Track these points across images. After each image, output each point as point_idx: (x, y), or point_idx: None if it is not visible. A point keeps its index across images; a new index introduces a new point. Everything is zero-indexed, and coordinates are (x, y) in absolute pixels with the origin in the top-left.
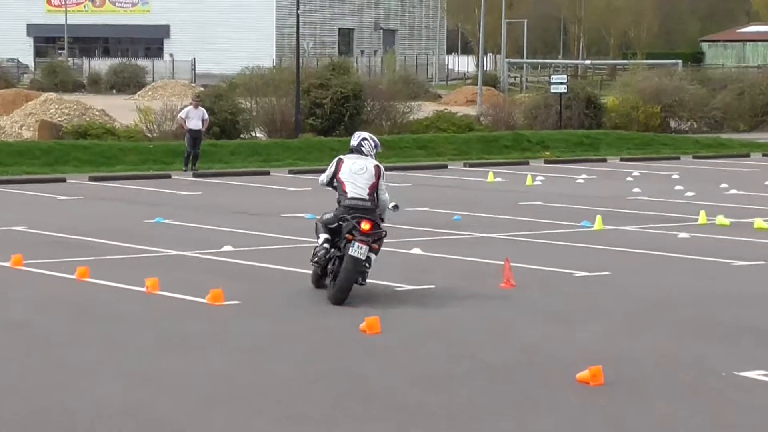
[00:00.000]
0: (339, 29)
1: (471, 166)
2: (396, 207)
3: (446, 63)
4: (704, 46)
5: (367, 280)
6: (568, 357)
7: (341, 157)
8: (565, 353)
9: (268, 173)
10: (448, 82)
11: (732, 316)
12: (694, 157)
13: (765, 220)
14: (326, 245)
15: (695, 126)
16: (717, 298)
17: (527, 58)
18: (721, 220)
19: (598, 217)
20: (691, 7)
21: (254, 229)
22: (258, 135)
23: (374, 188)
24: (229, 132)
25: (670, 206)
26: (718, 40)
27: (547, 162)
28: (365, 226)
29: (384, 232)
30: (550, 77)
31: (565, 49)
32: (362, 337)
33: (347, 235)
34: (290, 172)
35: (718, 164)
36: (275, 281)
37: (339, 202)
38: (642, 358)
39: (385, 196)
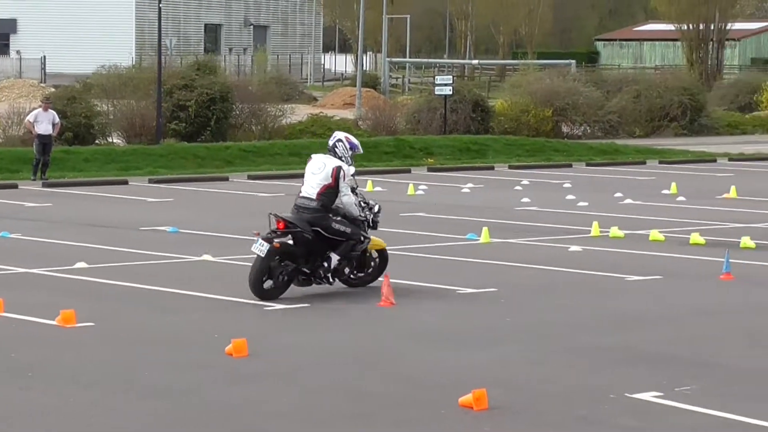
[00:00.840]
0: (205, 25)
1: None
2: (374, 211)
3: (322, 62)
4: (599, 45)
5: (234, 299)
6: (450, 381)
7: (312, 155)
8: (447, 377)
9: (126, 183)
10: (325, 83)
11: (624, 336)
12: (588, 165)
13: (661, 232)
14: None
15: (589, 131)
16: (609, 316)
17: (410, 58)
18: (614, 231)
19: (485, 229)
20: (589, 1)
21: (110, 244)
22: (115, 140)
23: (326, 189)
24: (84, 137)
25: (561, 217)
26: (614, 39)
27: (430, 170)
28: (279, 225)
29: (353, 236)
30: (434, 78)
31: (451, 48)
32: (228, 361)
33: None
34: (150, 181)
35: (613, 172)
36: (133, 301)
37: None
38: (529, 382)
39: (346, 198)
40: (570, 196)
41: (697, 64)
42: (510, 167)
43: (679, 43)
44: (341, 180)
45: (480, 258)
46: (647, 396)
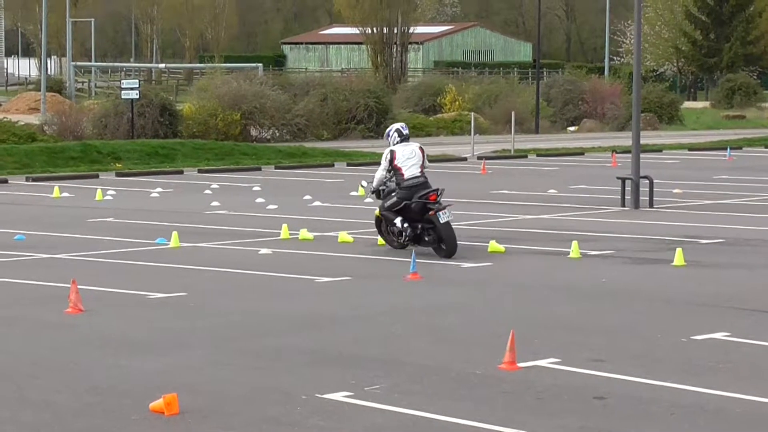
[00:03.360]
0: None
1: (34, 180)
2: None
3: (5, 66)
4: (286, 48)
5: None
6: (140, 387)
7: (392, 149)
8: (138, 384)
9: None
10: (8, 88)
11: (314, 337)
12: (277, 168)
13: (349, 233)
14: (406, 224)
15: (278, 134)
16: (299, 318)
17: (96, 61)
18: (304, 234)
19: (175, 234)
20: (275, 5)
21: None
22: None
23: (422, 166)
24: None
25: (251, 220)
26: (301, 43)
27: (119, 174)
28: (433, 197)
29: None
30: (121, 82)
31: (137, 52)
32: None
33: (430, 212)
34: None
35: (301, 175)
36: None
37: (398, 185)
38: (220, 384)
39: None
40: (260, 200)
41: (382, 67)
42: (199, 171)
43: (364, 47)
44: (425, 157)
45: (170, 263)
46: (338, 396)
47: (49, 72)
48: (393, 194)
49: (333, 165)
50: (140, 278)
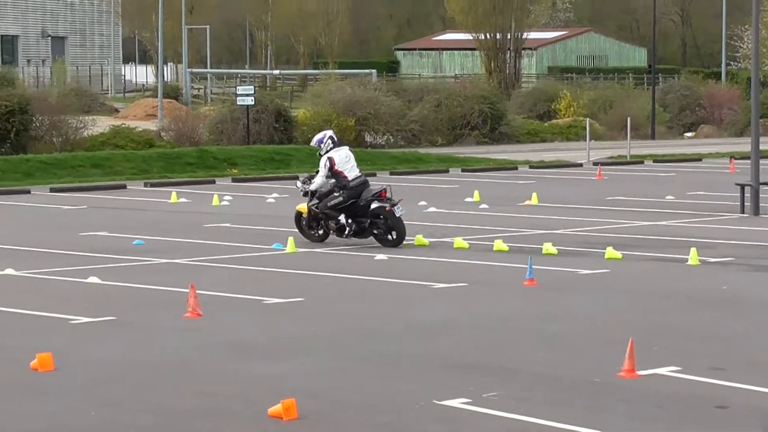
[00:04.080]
0: (2, 36)
1: (152, 185)
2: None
3: (123, 73)
4: (399, 54)
5: (39, 313)
6: (259, 392)
7: (330, 156)
8: (256, 389)
9: None
10: (126, 95)
11: (430, 343)
12: (391, 173)
13: (465, 240)
14: (350, 220)
15: (392, 140)
16: (416, 325)
17: (211, 68)
18: (420, 240)
19: (291, 239)
20: (388, 11)
21: None
22: None
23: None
24: None
25: None
26: (414, 49)
27: (234, 180)
28: (384, 195)
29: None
30: (236, 88)
31: (252, 58)
32: (33, 376)
33: (387, 208)
34: None
35: (416, 180)
36: None
37: (344, 186)
38: (337, 390)
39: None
40: None
41: (496, 73)
42: None
43: (477, 53)
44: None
45: (286, 268)
46: (455, 403)
47: (165, 79)
48: (337, 194)
49: (447, 171)
50: (257, 283)
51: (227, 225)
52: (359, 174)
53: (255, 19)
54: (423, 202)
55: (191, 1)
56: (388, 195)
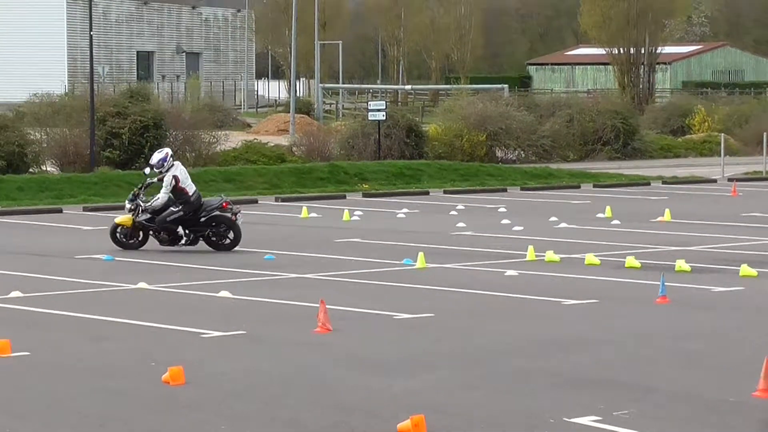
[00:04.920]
0: (138, 52)
1: (283, 200)
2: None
3: (256, 89)
4: (531, 69)
5: (171, 327)
6: (387, 407)
7: (175, 174)
8: (386, 404)
9: (60, 211)
10: (258, 110)
11: (561, 360)
12: (522, 189)
13: (596, 256)
14: (187, 231)
15: (523, 155)
16: (547, 341)
17: (343, 83)
18: (550, 255)
19: (421, 254)
20: (520, 26)
21: (45, 273)
22: (49, 169)
23: None
24: (17, 166)
25: (496, 241)
26: (546, 64)
27: (365, 195)
28: (225, 205)
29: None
30: (367, 103)
31: (383, 73)
32: (165, 389)
33: (232, 218)
34: (85, 209)
35: (547, 196)
36: (69, 329)
37: (185, 202)
38: (467, 407)
39: None
40: (505, 221)
41: (629, 87)
42: (445, 192)
43: (610, 67)
44: None
45: (416, 283)
46: (586, 420)
47: (297, 94)
48: (176, 209)
49: (579, 186)
50: (387, 298)
51: (357, 240)
52: (195, 188)
53: (387, 34)
54: (554, 218)
55: (324, 16)
56: (230, 206)
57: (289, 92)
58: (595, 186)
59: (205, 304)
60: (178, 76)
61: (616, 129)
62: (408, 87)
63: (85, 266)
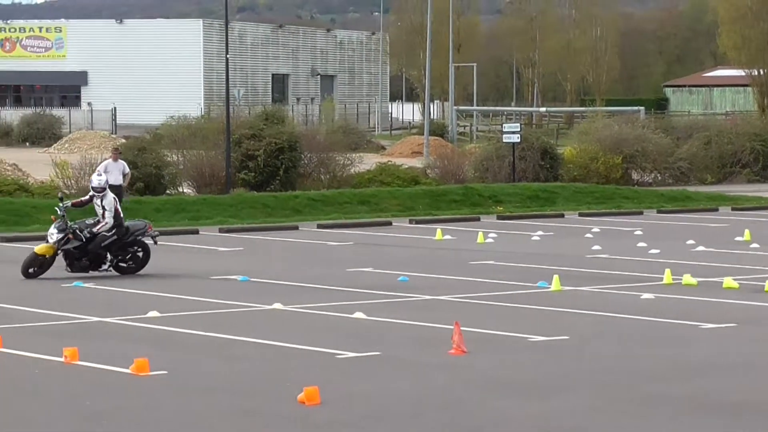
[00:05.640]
0: (272, 75)
1: (417, 222)
2: None
3: (390, 111)
4: (668, 91)
5: (306, 347)
6: (521, 430)
7: (114, 196)
8: (520, 427)
9: (196, 232)
10: (392, 132)
11: (698, 385)
12: (659, 212)
13: (735, 279)
14: (111, 256)
15: (659, 178)
16: (682, 365)
17: (477, 105)
18: (687, 279)
19: (556, 277)
20: (657, 48)
21: (182, 293)
22: (186, 190)
23: None
24: (154, 187)
25: (632, 265)
26: (684, 85)
27: (499, 218)
28: (150, 228)
29: None
30: (502, 126)
31: (518, 96)
32: (300, 409)
33: (153, 242)
34: (221, 230)
35: (685, 219)
36: (205, 349)
37: (119, 225)
38: (602, 431)
39: None
40: (641, 244)
41: None
42: (580, 215)
43: (749, 89)
44: None
45: (551, 306)
46: None
47: (431, 116)
48: (111, 234)
49: (717, 209)
50: (522, 321)
51: (492, 262)
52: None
53: (522, 57)
54: (691, 241)
55: (458, 38)
56: (153, 230)
57: (423, 114)
58: (733, 209)
59: (340, 325)
60: (312, 99)
61: (756, 151)
62: (543, 109)
63: (221, 287)
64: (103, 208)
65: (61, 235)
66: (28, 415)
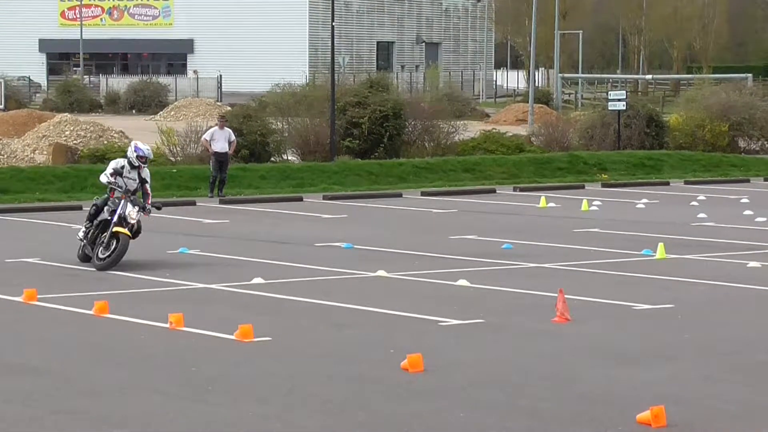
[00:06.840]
0: (377, 42)
1: (522, 190)
2: None
3: (494, 79)
4: None
5: (409, 314)
6: (627, 398)
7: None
8: (625, 394)
9: (301, 199)
10: (497, 100)
11: None
12: (766, 180)
13: None
14: None
15: (767, 146)
16: None
17: (582, 73)
18: None
19: (661, 245)
20: (766, 13)
21: (286, 260)
22: (290, 158)
23: None
24: (259, 155)
25: (739, 233)
26: None
27: (604, 185)
28: None
29: None
30: (607, 93)
31: (624, 63)
32: (404, 376)
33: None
34: (325, 197)
35: None
36: (309, 316)
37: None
38: (707, 399)
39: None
40: (748, 212)
41: None
42: (685, 183)
43: None
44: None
45: (656, 274)
46: None
47: (536, 84)
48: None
49: None
50: (626, 289)
51: (596, 230)
52: None
53: (628, 24)
54: None
55: (565, 6)
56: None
57: (527, 82)
58: None
59: (443, 293)
60: (417, 66)
61: None
62: (649, 77)
63: (325, 253)
64: (145, 180)
65: (137, 216)
66: (135, 380)
